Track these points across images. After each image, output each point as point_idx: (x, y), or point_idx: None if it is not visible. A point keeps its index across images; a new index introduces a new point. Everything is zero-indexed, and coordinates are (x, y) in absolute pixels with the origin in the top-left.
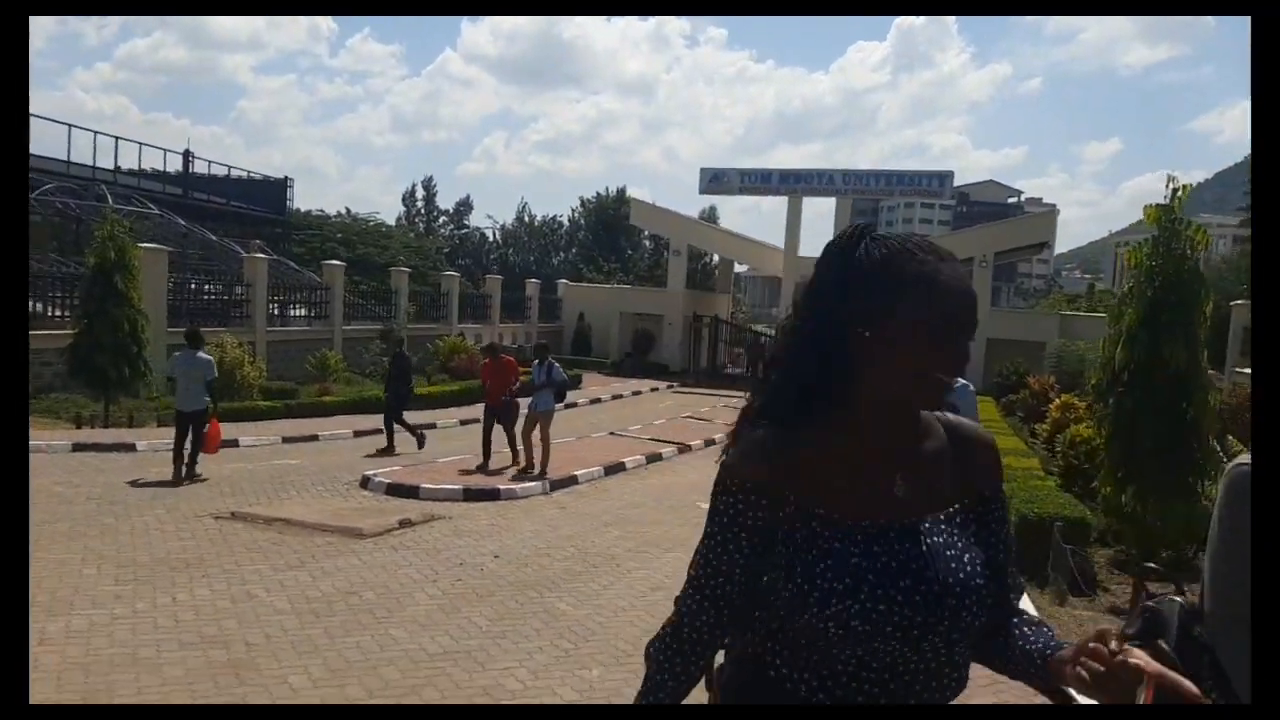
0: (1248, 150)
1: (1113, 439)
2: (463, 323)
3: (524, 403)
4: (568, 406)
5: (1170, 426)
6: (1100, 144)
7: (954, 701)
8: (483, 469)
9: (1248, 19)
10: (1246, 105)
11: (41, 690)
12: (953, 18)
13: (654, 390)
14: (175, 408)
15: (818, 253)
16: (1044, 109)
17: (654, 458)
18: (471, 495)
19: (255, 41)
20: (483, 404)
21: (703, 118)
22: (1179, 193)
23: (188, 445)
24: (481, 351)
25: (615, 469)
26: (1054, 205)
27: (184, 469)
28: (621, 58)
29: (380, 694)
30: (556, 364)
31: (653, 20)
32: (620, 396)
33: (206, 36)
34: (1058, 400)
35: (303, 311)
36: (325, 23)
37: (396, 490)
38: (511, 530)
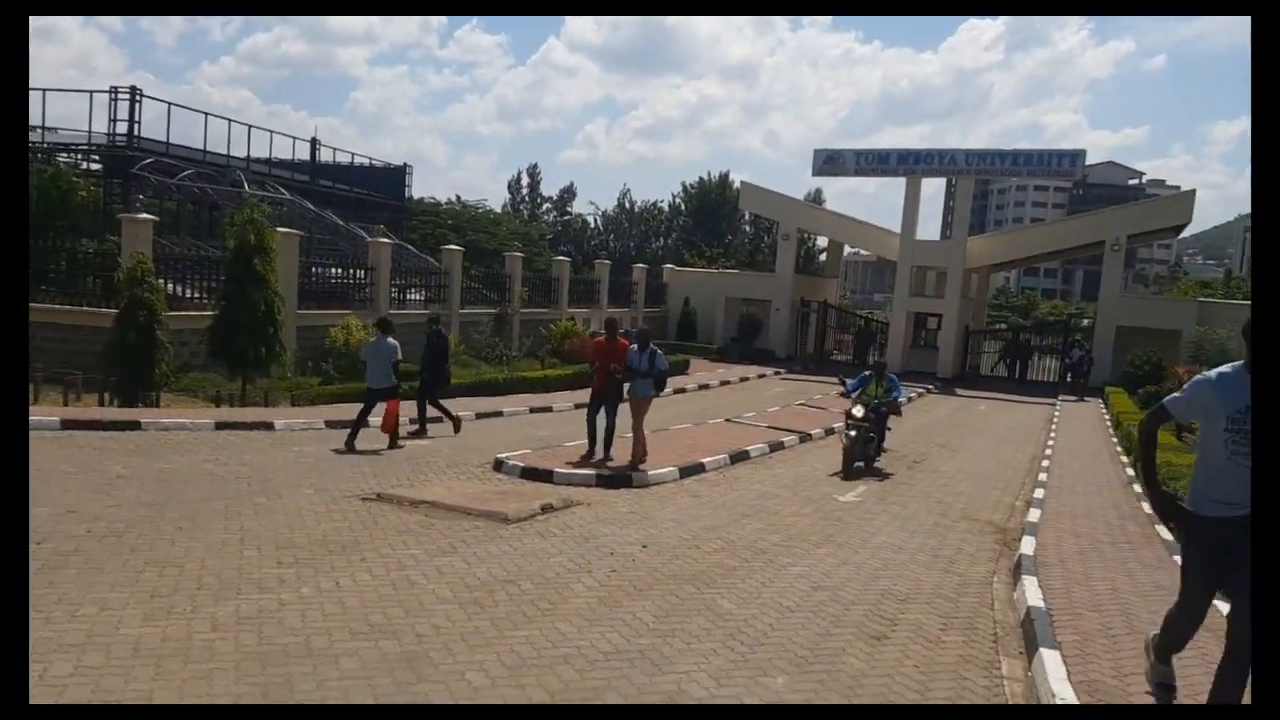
0: None
1: None
2: (572, 307)
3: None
4: (677, 392)
5: None
6: (1229, 124)
7: None
8: (589, 457)
9: None
10: None
11: (221, 682)
12: None
13: (761, 377)
14: (366, 385)
15: (934, 235)
16: (1168, 87)
17: (776, 446)
18: (605, 481)
19: (369, 35)
20: (590, 389)
21: (806, 101)
22: None
23: (372, 419)
24: (603, 327)
25: (740, 457)
26: (1179, 187)
27: (353, 439)
28: (724, 42)
29: (561, 695)
30: (659, 351)
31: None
32: (728, 383)
33: (324, 31)
34: None
35: (421, 295)
36: (436, 17)
37: (531, 474)
38: (652, 519)
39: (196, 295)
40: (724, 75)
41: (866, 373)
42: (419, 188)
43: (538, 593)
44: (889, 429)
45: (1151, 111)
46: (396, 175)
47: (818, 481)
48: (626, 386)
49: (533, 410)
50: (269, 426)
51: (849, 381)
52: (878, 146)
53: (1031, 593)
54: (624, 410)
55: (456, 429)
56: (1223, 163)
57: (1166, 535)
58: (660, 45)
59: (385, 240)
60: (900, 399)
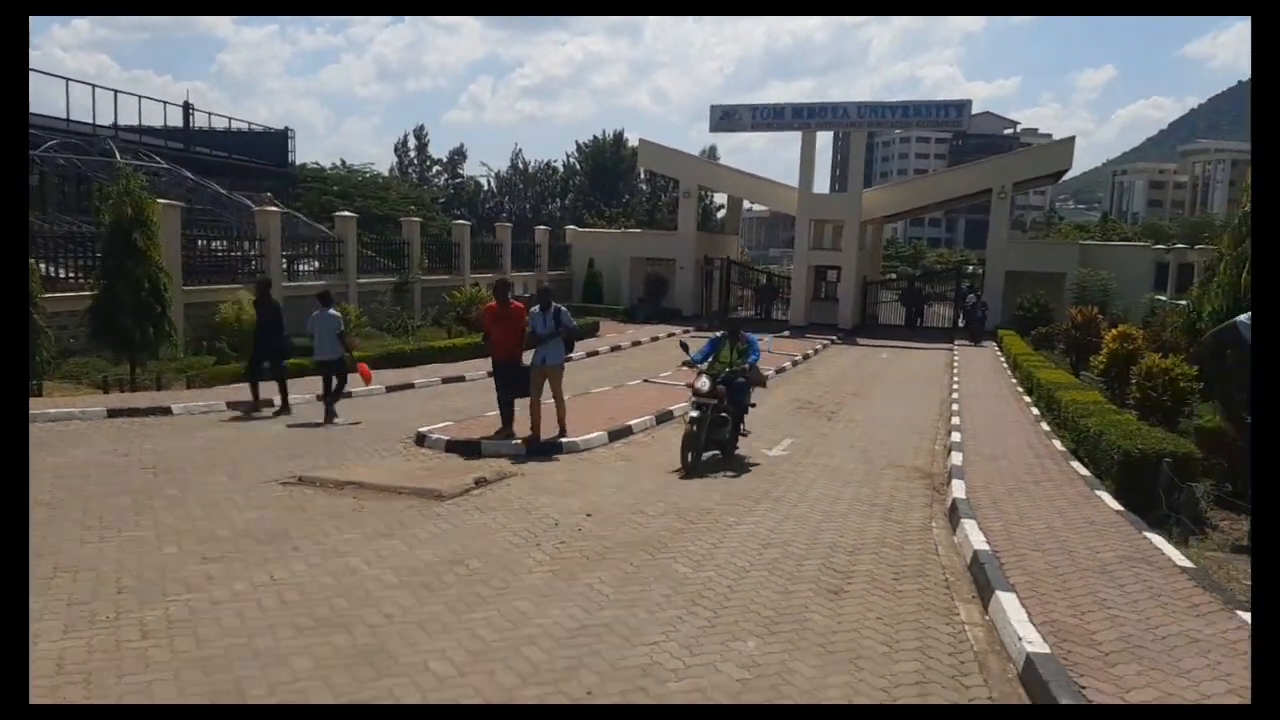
0: (1240, 75)
1: (1234, 373)
2: (475, 272)
3: (527, 356)
4: (590, 355)
5: None
6: (1094, 71)
7: None
8: (504, 434)
9: None
10: (1239, 28)
11: (164, 692)
12: None
13: (671, 335)
14: (314, 358)
15: (824, 189)
16: (1037, 37)
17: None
18: (535, 450)
19: None
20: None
21: (692, 57)
22: None
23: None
24: (492, 291)
25: (665, 417)
26: (1051, 135)
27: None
28: None
29: (533, 679)
30: (564, 309)
31: None
32: (639, 343)
33: None
34: (1114, 330)
35: (314, 265)
36: None
37: (457, 447)
38: (590, 486)
39: (72, 275)
40: (609, 31)
41: (718, 334)
42: (300, 154)
43: (488, 571)
44: (752, 404)
45: (1022, 63)
46: (278, 140)
47: (743, 438)
48: (533, 354)
49: (445, 381)
50: (166, 411)
51: (694, 351)
52: (766, 101)
53: (974, 536)
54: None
55: (280, 410)
56: (1089, 110)
57: (1083, 471)
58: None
59: (273, 209)
60: (758, 361)
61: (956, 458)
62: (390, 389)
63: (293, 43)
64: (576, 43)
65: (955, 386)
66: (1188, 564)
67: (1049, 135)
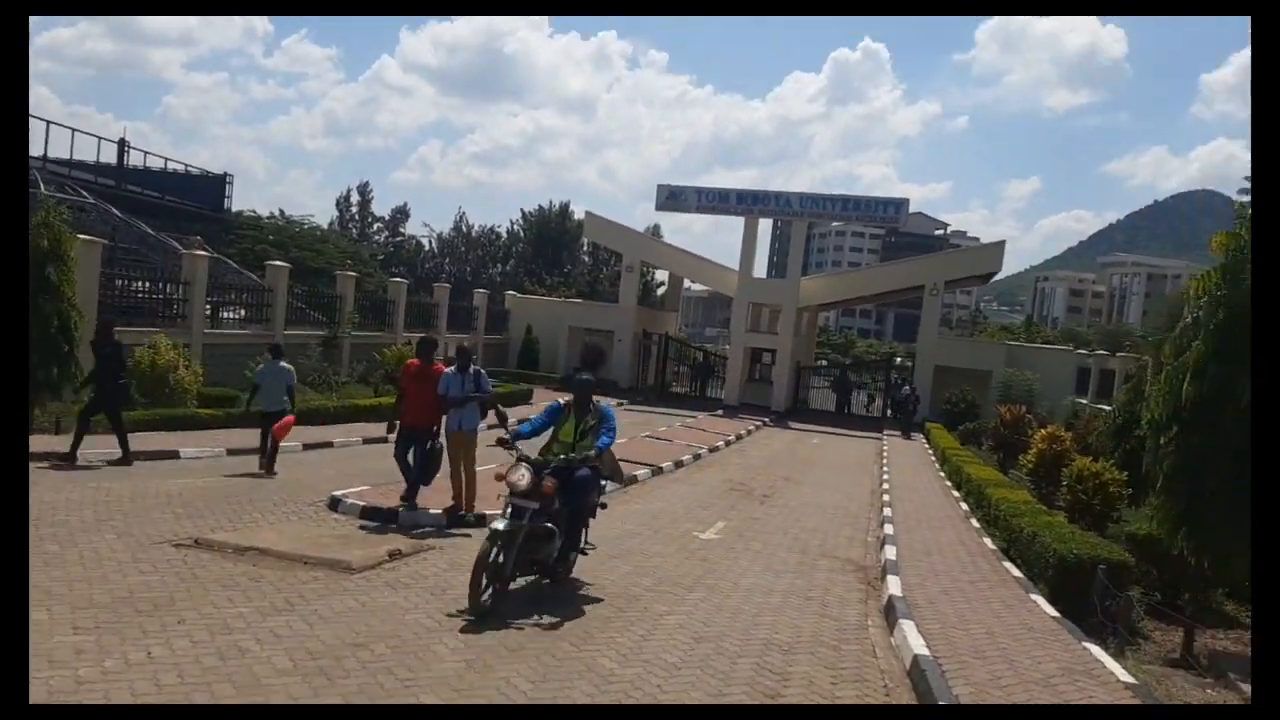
0: (1157, 195)
1: (1174, 478)
2: (409, 331)
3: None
4: (520, 422)
5: (1242, 468)
6: (1021, 182)
7: None
8: (409, 498)
9: (1153, 77)
10: (1156, 152)
11: None
12: (887, 54)
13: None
14: (261, 409)
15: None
16: (969, 147)
17: (629, 481)
18: (458, 521)
19: (187, 38)
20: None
21: (641, 139)
22: (1246, 220)
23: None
24: (418, 347)
25: None
26: (979, 238)
27: (270, 462)
28: (563, 75)
29: None
30: (483, 372)
31: (594, 40)
32: None
33: (136, 31)
34: (1042, 431)
35: (240, 314)
36: (261, 22)
37: (373, 514)
38: None
39: None
40: (562, 107)
41: (558, 403)
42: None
43: (395, 658)
44: (602, 505)
45: (954, 169)
46: (215, 184)
47: (676, 518)
48: (447, 419)
49: (367, 441)
50: (63, 457)
51: (522, 424)
52: (712, 185)
53: (913, 639)
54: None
55: (122, 461)
56: (1015, 218)
57: (1016, 572)
58: (499, 72)
59: (201, 253)
60: (612, 445)
61: (890, 551)
62: (308, 446)
63: (243, 91)
64: (529, 115)
65: (885, 477)
66: (1130, 679)
67: (977, 238)
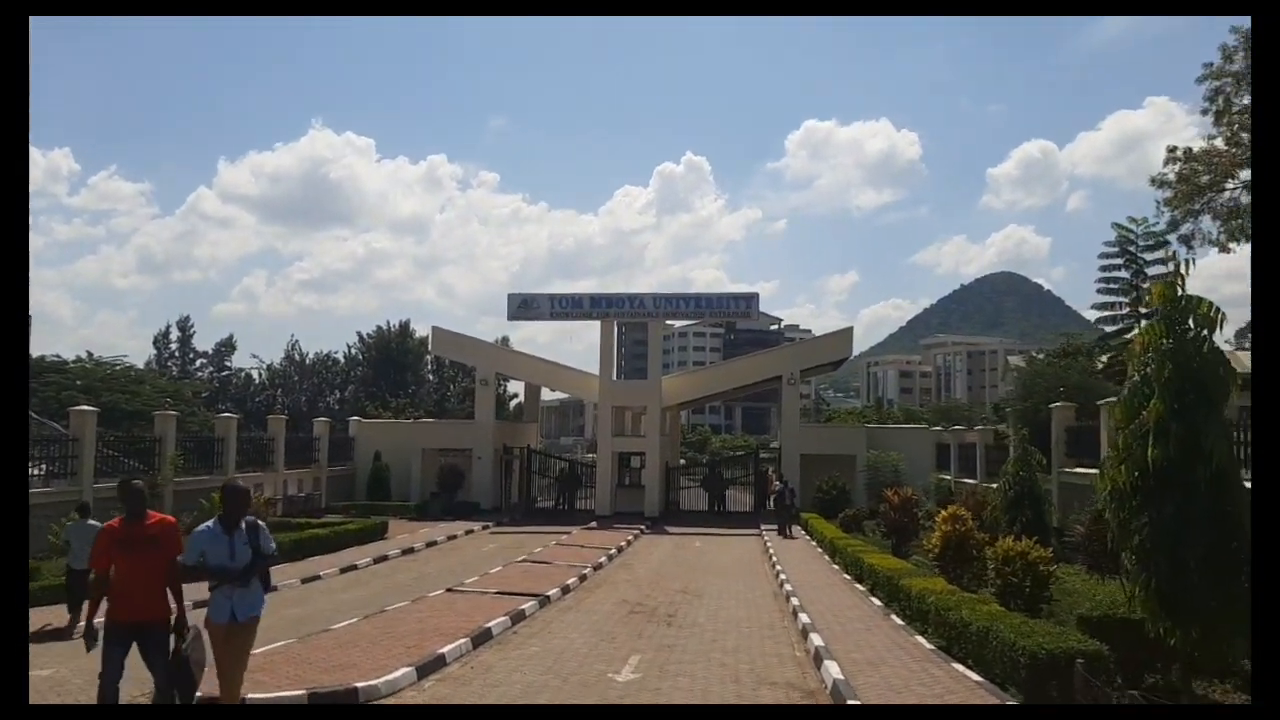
0: (963, 280)
1: (1149, 552)
2: (241, 471)
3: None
4: (376, 560)
5: (1221, 537)
6: (840, 276)
7: None
8: None
9: (946, 173)
10: (958, 240)
11: None
12: (708, 165)
13: (469, 533)
14: (69, 565)
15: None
16: (790, 246)
17: (518, 616)
18: (314, 698)
19: None
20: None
21: (478, 256)
22: (1183, 269)
23: None
24: (122, 495)
25: (483, 638)
26: (810, 331)
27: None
28: (393, 199)
29: None
30: (263, 525)
31: (423, 164)
32: (435, 543)
33: None
34: (943, 512)
35: (41, 470)
36: (67, 162)
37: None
38: None
39: None
40: (394, 229)
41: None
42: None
43: None
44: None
45: (778, 268)
46: None
47: (582, 657)
48: (215, 602)
49: (196, 605)
50: None
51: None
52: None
53: None
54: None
55: None
56: (838, 309)
57: (973, 675)
58: (325, 197)
59: None
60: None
61: (832, 668)
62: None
63: (45, 233)
64: (360, 239)
65: (783, 578)
66: None
67: (809, 331)
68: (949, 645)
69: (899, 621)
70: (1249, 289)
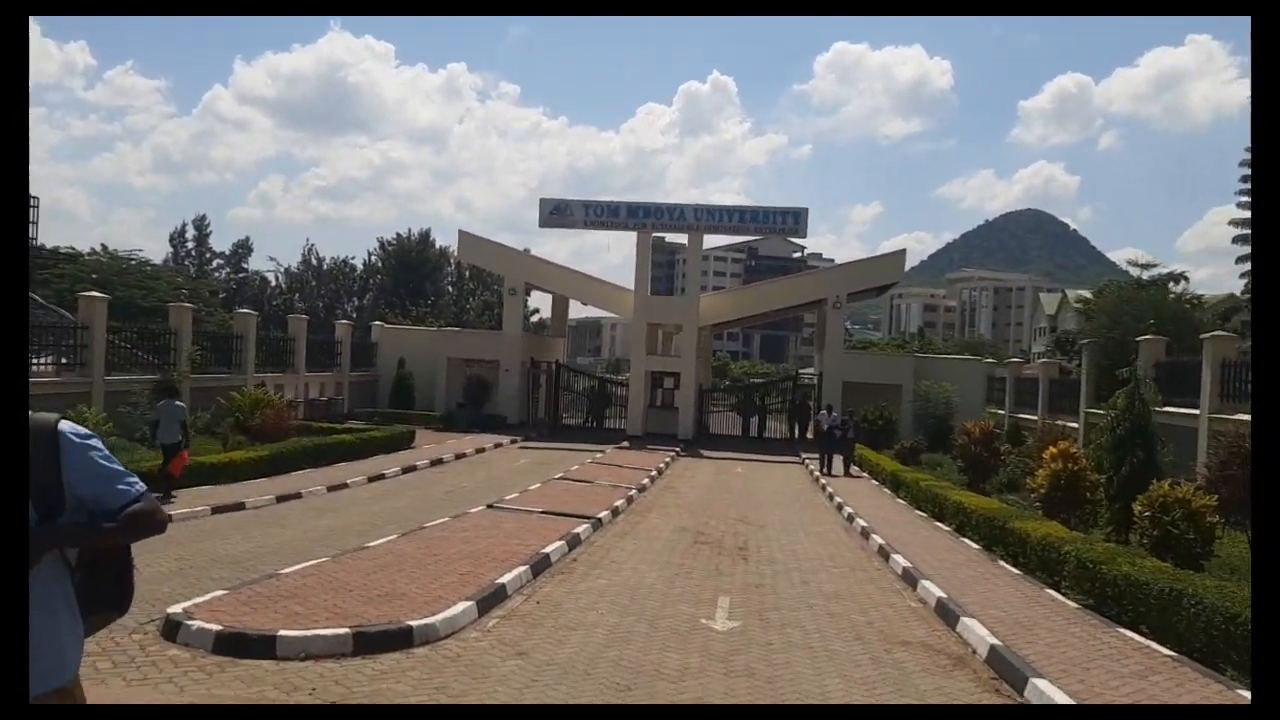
0: (987, 215)
1: None
2: (261, 371)
3: None
4: (405, 470)
5: None
6: (864, 207)
7: None
8: None
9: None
10: (985, 175)
11: None
12: (734, 86)
13: (498, 446)
14: (160, 442)
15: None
16: (814, 174)
17: (573, 541)
18: (366, 642)
19: None
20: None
21: (496, 170)
22: None
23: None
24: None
25: (541, 565)
26: (833, 260)
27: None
28: (412, 106)
29: None
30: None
31: (443, 72)
32: (464, 455)
33: None
34: (1052, 449)
35: (49, 359)
36: (83, 55)
37: (234, 645)
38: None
39: None
40: (412, 139)
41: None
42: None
43: None
44: None
45: (801, 195)
46: None
47: (662, 596)
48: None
49: (216, 510)
50: None
51: None
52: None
53: None
54: None
55: None
56: (860, 240)
57: (1163, 648)
58: (342, 103)
59: None
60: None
61: (975, 627)
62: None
63: (62, 128)
64: (376, 147)
65: (848, 510)
66: None
67: (831, 260)
68: (1097, 605)
69: (1012, 569)
70: None
